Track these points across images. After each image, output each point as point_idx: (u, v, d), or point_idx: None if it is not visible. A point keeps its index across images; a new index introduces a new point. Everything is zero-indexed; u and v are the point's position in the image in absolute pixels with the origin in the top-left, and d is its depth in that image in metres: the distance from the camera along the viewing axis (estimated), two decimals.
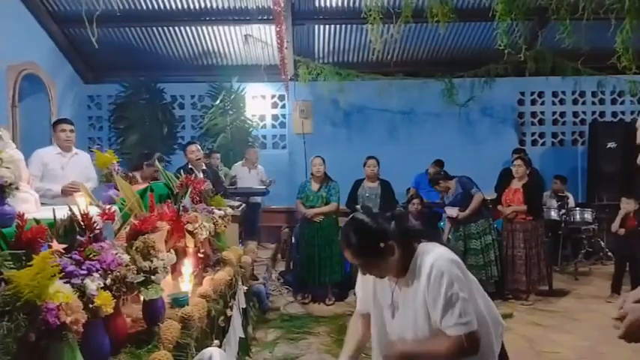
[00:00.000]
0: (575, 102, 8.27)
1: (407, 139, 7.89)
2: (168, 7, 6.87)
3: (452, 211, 5.34)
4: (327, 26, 7.40)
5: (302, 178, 6.28)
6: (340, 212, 5.51)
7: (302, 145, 7.94)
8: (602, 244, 6.89)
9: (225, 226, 3.77)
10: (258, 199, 6.95)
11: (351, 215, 1.77)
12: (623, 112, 8.14)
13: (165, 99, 7.93)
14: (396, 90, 7.41)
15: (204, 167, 5.42)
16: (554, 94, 8.27)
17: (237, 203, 5.02)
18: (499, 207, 5.49)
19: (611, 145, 7.26)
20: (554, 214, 6.45)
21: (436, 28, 4.35)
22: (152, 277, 1.81)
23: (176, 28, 7.27)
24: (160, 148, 6.91)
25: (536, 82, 7.94)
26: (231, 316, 2.90)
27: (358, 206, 5.38)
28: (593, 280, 6.14)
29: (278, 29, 5.18)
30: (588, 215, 6.58)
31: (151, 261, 1.83)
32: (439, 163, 6.55)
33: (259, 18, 6.98)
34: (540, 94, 8.28)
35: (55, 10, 6.77)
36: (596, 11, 3.71)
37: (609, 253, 6.65)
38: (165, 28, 7.30)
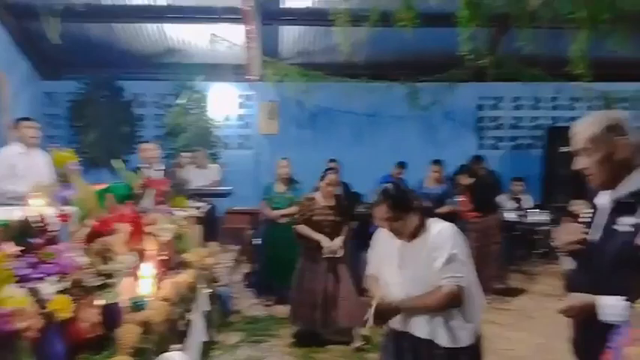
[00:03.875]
0: (532, 107, 8.57)
1: (372, 142, 7.97)
2: (131, 2, 6.71)
3: None
4: (294, 27, 7.40)
5: (267, 180, 6.25)
6: None
7: (268, 146, 7.89)
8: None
9: (187, 228, 3.71)
10: (210, 199, 6.78)
11: (390, 182, 2.28)
12: (578, 117, 8.47)
13: (126, 97, 7.72)
14: (361, 92, 7.46)
15: (160, 167, 5.27)
16: (514, 100, 8.55)
17: (201, 204, 4.94)
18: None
19: (566, 150, 7.55)
20: (510, 215, 6.67)
21: (402, 33, 4.43)
22: (111, 280, 1.76)
23: (139, 24, 7.10)
24: (120, 147, 6.73)
25: (497, 87, 8.19)
26: (192, 320, 2.86)
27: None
28: (547, 278, 6.36)
29: (247, 29, 5.14)
30: (544, 216, 6.83)
31: (109, 263, 1.78)
32: (402, 166, 6.66)
33: (226, 17, 6.90)
34: (500, 100, 8.54)
35: (11, 2, 6.49)
36: (554, 21, 3.86)
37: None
38: (127, 25, 7.11)
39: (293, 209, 5.33)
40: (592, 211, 1.80)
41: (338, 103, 7.84)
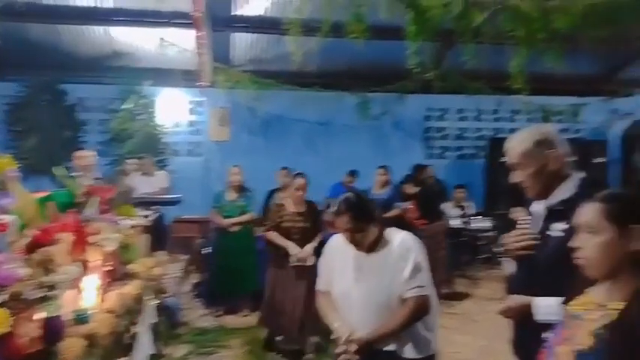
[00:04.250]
0: (476, 119, 8.96)
1: (323, 150, 8.05)
2: (76, 3, 6.45)
3: None
4: (246, 35, 7.37)
5: (218, 187, 6.16)
6: (256, 222, 5.49)
7: (218, 153, 7.79)
8: (497, 250, 7.49)
9: (134, 237, 3.60)
10: (157, 207, 6.61)
11: (349, 192, 2.25)
12: (518, 129, 8.91)
13: (69, 101, 7.41)
14: (313, 101, 7.53)
15: (97, 176, 5.05)
16: (458, 112, 8.90)
17: (148, 212, 4.80)
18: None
19: (506, 159, 7.96)
20: (455, 222, 6.92)
21: (353, 44, 4.53)
22: (52, 292, 1.69)
23: (84, 26, 6.85)
24: (62, 154, 6.42)
25: (442, 99, 8.52)
26: (139, 332, 2.77)
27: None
28: (490, 283, 6.63)
29: (197, 35, 5.07)
30: (486, 223, 7.14)
31: (51, 275, 1.70)
32: (353, 174, 6.76)
33: (175, 22, 6.78)
34: (446, 111, 8.86)
35: None
36: (496, 38, 4.09)
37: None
38: (72, 26, 6.84)
39: (245, 217, 5.31)
40: (529, 218, 1.90)
41: (290, 111, 7.88)
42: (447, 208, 7.01)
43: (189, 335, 4.60)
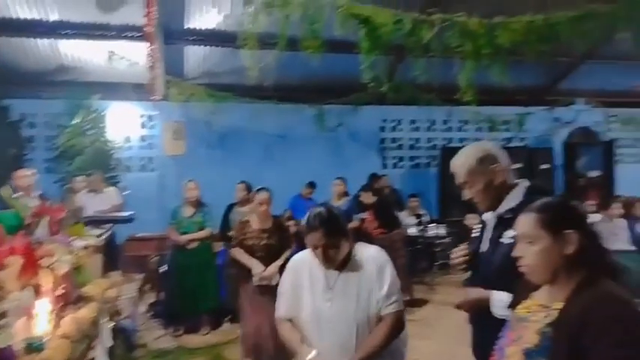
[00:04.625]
0: (428, 129, 9.23)
1: (282, 163, 8.04)
2: (19, 16, 6.20)
3: None
4: (200, 48, 7.31)
5: (173, 203, 6.02)
6: (215, 238, 5.41)
7: (173, 168, 7.64)
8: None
9: (87, 258, 3.47)
10: (109, 226, 6.38)
11: (321, 205, 2.09)
12: (467, 138, 9.32)
13: (12, 117, 7.07)
14: (270, 114, 7.55)
15: (37, 195, 4.85)
16: (411, 122, 9.15)
17: (99, 232, 4.64)
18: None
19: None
20: (412, 230, 7.08)
21: (308, 57, 4.59)
22: (3, 321, 1.61)
23: (29, 39, 6.58)
24: (6, 173, 6.10)
25: (396, 110, 8.74)
26: (95, 357, 2.67)
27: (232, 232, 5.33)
28: (447, 288, 6.80)
29: (149, 48, 4.99)
30: (442, 230, 7.34)
31: (0, 302, 1.62)
32: (312, 185, 6.80)
33: (126, 35, 6.64)
34: (399, 122, 9.09)
35: None
36: (445, 52, 4.27)
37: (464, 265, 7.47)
38: (15, 39, 6.55)
39: (202, 233, 5.21)
40: (480, 226, 2.02)
41: (247, 124, 7.84)
42: (404, 216, 7.17)
43: (148, 358, 4.46)
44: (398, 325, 1.99)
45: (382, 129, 9.01)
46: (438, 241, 7.35)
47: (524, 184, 1.93)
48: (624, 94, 9.37)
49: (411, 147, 9.14)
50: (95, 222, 5.39)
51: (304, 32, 3.88)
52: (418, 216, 7.45)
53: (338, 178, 6.16)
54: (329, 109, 8.01)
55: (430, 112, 8.83)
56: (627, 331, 1.19)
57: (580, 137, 9.70)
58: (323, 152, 8.28)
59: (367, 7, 3.96)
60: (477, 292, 1.85)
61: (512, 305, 1.51)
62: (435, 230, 7.30)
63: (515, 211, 1.71)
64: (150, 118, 7.90)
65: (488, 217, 1.94)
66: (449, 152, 8.64)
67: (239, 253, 3.81)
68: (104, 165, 6.99)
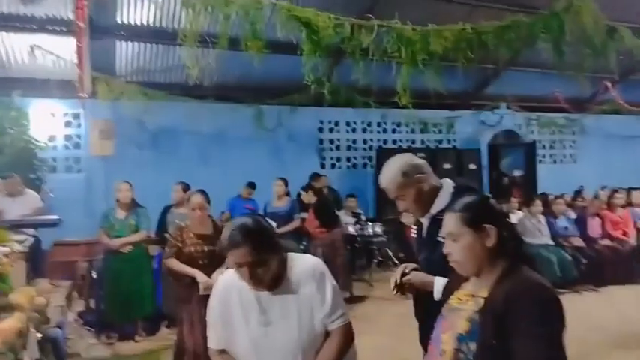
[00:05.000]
0: (364, 131, 9.46)
1: (219, 163, 7.90)
2: None
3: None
4: (130, 43, 7.02)
5: (101, 206, 5.75)
6: (151, 241, 5.23)
7: (102, 169, 7.28)
8: (390, 252, 7.95)
9: (10, 265, 3.26)
10: (31, 231, 6.00)
11: (242, 218, 1.77)
12: (401, 140, 9.65)
13: None
14: (206, 113, 7.39)
15: None
16: (348, 124, 9.33)
17: (23, 237, 4.35)
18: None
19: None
20: (350, 229, 7.24)
21: (246, 56, 4.55)
22: None
23: None
24: None
25: (333, 112, 8.88)
26: None
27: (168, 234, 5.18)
28: (385, 284, 6.99)
29: (77, 43, 4.73)
30: (378, 228, 7.55)
31: None
32: (252, 186, 6.75)
33: (50, 28, 6.25)
34: (337, 123, 9.24)
35: None
36: (383, 56, 4.42)
37: (396, 261, 7.72)
38: None
39: (137, 237, 5.01)
40: (416, 227, 2.19)
41: (182, 124, 7.63)
42: (342, 215, 7.30)
43: None
44: (348, 339, 1.80)
45: (320, 130, 9.11)
46: (375, 239, 7.55)
47: (449, 184, 2.10)
48: (543, 99, 10.12)
49: (349, 148, 9.32)
50: (16, 227, 5.04)
51: (246, 32, 3.86)
52: (356, 215, 7.62)
53: (279, 178, 6.16)
54: (267, 110, 7.98)
55: (366, 115, 9.06)
56: (544, 312, 1.33)
57: (504, 139, 10.36)
58: (261, 153, 8.24)
59: (308, 9, 4.01)
60: (422, 276, 2.00)
61: (446, 296, 1.63)
62: (373, 229, 7.50)
63: (446, 211, 1.89)
64: (76, 116, 7.48)
65: (424, 219, 2.11)
66: (384, 153, 8.94)
67: (176, 264, 3.44)
68: (26, 166, 6.52)
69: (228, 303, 1.77)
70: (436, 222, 1.98)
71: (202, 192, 3.60)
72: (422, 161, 2.12)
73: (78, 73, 5.67)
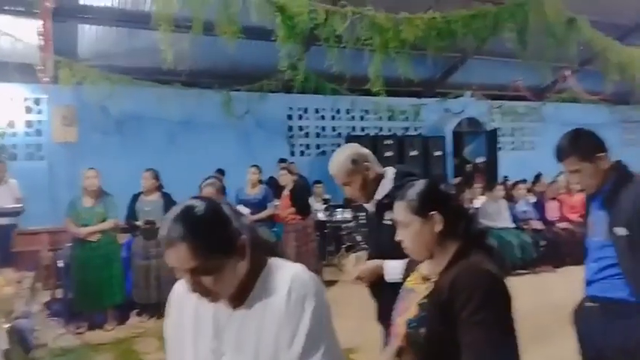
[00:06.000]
0: (333, 118, 9.51)
1: (187, 150, 7.80)
2: None
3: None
4: (93, 27, 6.79)
5: (65, 194, 5.60)
6: (119, 229, 5.14)
7: (65, 156, 7.06)
8: (359, 238, 8.09)
9: None
10: (6, 220, 5.87)
11: (189, 200, 1.16)
12: (369, 127, 9.75)
13: None
14: (173, 99, 7.25)
15: None
16: (317, 111, 9.35)
17: None
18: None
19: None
20: (320, 215, 7.31)
21: (214, 40, 4.49)
22: None
23: None
24: None
25: (302, 99, 8.87)
26: None
27: (139, 222, 5.11)
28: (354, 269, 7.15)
29: (38, 24, 4.54)
30: (347, 214, 7.66)
31: None
32: (221, 172, 6.71)
33: (8, 9, 5.97)
34: (306, 110, 9.25)
35: None
36: (356, 44, 4.46)
37: (365, 245, 7.87)
38: None
39: (105, 225, 4.91)
40: (364, 213, 2.31)
41: (148, 110, 7.48)
42: (312, 202, 7.36)
43: (49, 358, 4.15)
44: None
45: (289, 117, 9.10)
46: (344, 225, 7.66)
47: (391, 170, 2.22)
48: (505, 87, 10.43)
49: (317, 135, 9.35)
50: None
51: (220, 17, 3.81)
52: (326, 201, 7.70)
53: (253, 165, 6.13)
54: (236, 96, 7.91)
55: (335, 102, 9.10)
56: (487, 297, 1.36)
57: (467, 127, 10.64)
58: (230, 139, 8.17)
59: None
60: (372, 263, 2.14)
61: (403, 277, 1.70)
62: (341, 215, 7.60)
63: (390, 196, 2.05)
64: (37, 101, 7.21)
65: (369, 205, 2.25)
66: (353, 140, 8.97)
67: None
68: None
69: (182, 316, 1.27)
70: (381, 207, 2.14)
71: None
72: (367, 150, 2.25)
73: (41, 56, 5.45)
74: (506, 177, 9.37)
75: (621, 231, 2.02)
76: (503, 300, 1.40)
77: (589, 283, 2.23)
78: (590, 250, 2.27)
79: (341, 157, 2.19)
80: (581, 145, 2.16)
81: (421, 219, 1.51)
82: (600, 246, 2.16)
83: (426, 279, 1.53)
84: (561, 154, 2.21)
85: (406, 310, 1.51)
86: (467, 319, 1.35)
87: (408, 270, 1.69)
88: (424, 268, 1.57)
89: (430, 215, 1.50)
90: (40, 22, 4.57)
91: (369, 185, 2.19)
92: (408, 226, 1.53)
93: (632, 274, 2.01)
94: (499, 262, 1.54)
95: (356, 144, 2.33)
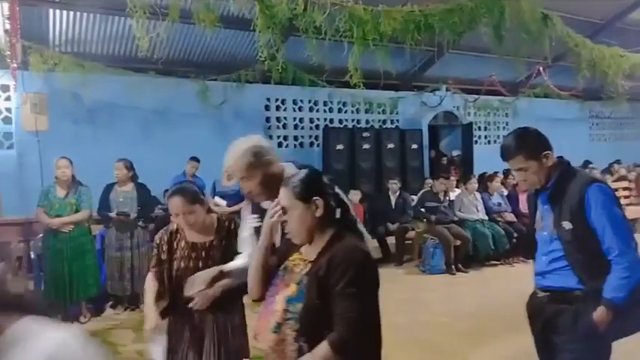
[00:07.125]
0: (310, 110, 9.47)
1: (162, 140, 7.65)
2: None
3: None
4: (65, 12, 6.59)
5: (35, 183, 5.46)
6: (93, 220, 5.05)
7: (35, 145, 6.86)
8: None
9: None
10: None
11: None
12: (347, 119, 9.76)
13: None
14: (148, 87, 7.10)
15: None
16: (294, 102, 9.30)
17: None
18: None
19: (339, 147, 8.71)
20: None
21: (189, 28, 4.40)
22: None
23: None
24: None
25: (279, 90, 8.78)
26: None
27: (112, 214, 5.03)
28: None
29: (11, 9, 4.38)
30: None
31: None
32: (195, 159, 6.64)
33: None
34: (283, 101, 9.19)
35: None
36: (335, 35, 4.45)
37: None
38: None
39: (78, 216, 4.81)
40: (258, 216, 2.06)
41: (122, 98, 7.29)
42: None
43: None
44: None
45: (267, 108, 9.03)
46: None
47: (290, 166, 2.10)
48: (480, 82, 10.59)
49: (295, 127, 9.31)
50: None
51: (198, 4, 3.74)
52: None
53: None
54: (212, 86, 7.80)
55: (312, 93, 9.06)
56: (360, 272, 1.53)
57: (443, 120, 10.78)
58: (206, 130, 8.05)
59: None
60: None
61: (280, 261, 1.76)
62: None
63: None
64: (5, 88, 6.96)
65: (267, 203, 1.93)
66: (331, 132, 9.04)
67: (148, 288, 2.49)
68: None
69: None
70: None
71: (180, 192, 2.50)
72: (270, 144, 2.11)
73: (8, 42, 5.27)
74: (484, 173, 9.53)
75: (567, 225, 2.11)
76: (373, 277, 1.59)
77: (540, 274, 2.30)
78: (539, 243, 2.32)
79: (242, 149, 2.00)
80: (528, 144, 2.21)
81: (303, 204, 1.62)
82: (548, 240, 2.23)
83: (304, 260, 1.66)
84: (508, 154, 2.24)
85: (285, 288, 1.63)
86: (341, 290, 1.50)
87: (290, 251, 1.74)
88: (305, 250, 1.69)
89: (312, 200, 1.62)
90: (6, 5, 4.40)
91: (270, 182, 1.96)
92: (292, 211, 1.63)
93: (579, 264, 2.11)
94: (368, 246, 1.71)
95: (258, 136, 2.11)
